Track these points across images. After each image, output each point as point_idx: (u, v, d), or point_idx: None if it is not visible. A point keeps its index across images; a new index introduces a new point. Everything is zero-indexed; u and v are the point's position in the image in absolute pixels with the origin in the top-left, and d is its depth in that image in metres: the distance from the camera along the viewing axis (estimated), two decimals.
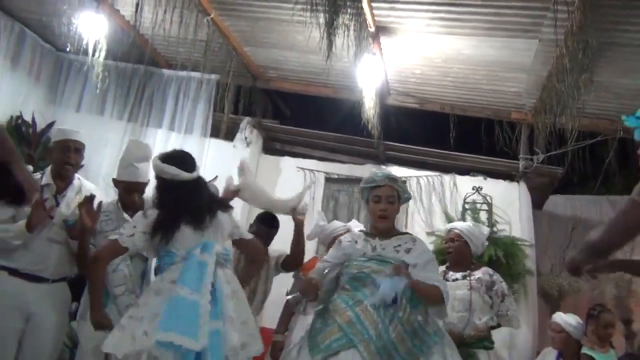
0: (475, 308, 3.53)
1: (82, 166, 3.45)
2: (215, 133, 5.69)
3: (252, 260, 3.12)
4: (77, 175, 3.37)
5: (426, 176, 5.62)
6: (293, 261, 3.67)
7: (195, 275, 2.43)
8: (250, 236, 2.94)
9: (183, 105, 5.61)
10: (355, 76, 4.71)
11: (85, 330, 3.09)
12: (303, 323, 3.36)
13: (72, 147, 3.26)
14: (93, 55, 4.55)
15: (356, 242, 2.88)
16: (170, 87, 5.67)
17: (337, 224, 3.84)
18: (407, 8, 4.21)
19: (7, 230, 2.90)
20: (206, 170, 4.03)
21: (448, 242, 3.81)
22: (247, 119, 5.77)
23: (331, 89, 5.84)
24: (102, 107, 5.66)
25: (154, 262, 2.99)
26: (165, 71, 5.77)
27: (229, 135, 5.73)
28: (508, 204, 5.37)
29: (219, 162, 5.09)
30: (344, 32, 4.14)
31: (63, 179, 3.26)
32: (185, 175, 2.65)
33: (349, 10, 4.07)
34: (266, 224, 3.81)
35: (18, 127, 5.08)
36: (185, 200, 2.63)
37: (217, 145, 5.62)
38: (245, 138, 5.64)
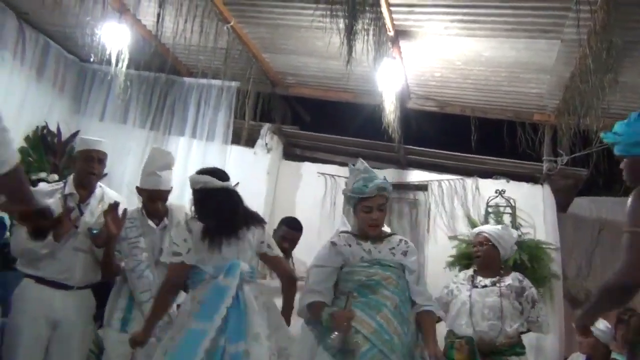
0: (507, 315, 3.50)
1: (105, 175, 3.50)
2: (236, 140, 5.70)
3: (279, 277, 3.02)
4: (99, 184, 3.42)
5: (448, 180, 5.57)
6: None
7: (214, 303, 2.47)
8: (275, 253, 2.89)
9: (204, 112, 5.64)
10: (375, 80, 4.69)
11: (110, 337, 3.14)
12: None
13: (95, 157, 3.31)
14: (116, 65, 4.60)
15: (350, 245, 2.80)
16: (192, 95, 5.70)
17: None
18: (425, 11, 4.19)
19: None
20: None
21: (476, 245, 3.77)
22: (267, 125, 5.78)
23: (351, 93, 5.83)
24: (125, 116, 5.71)
25: None
26: (187, 79, 5.81)
27: (250, 142, 5.75)
28: (532, 206, 5.28)
29: (240, 168, 5.10)
30: (364, 36, 4.12)
31: (86, 188, 3.31)
32: (217, 182, 2.70)
33: (368, 15, 4.06)
34: (291, 227, 3.84)
35: (44, 137, 5.17)
36: (221, 208, 2.67)
37: (239, 152, 5.64)
38: (266, 144, 5.66)
